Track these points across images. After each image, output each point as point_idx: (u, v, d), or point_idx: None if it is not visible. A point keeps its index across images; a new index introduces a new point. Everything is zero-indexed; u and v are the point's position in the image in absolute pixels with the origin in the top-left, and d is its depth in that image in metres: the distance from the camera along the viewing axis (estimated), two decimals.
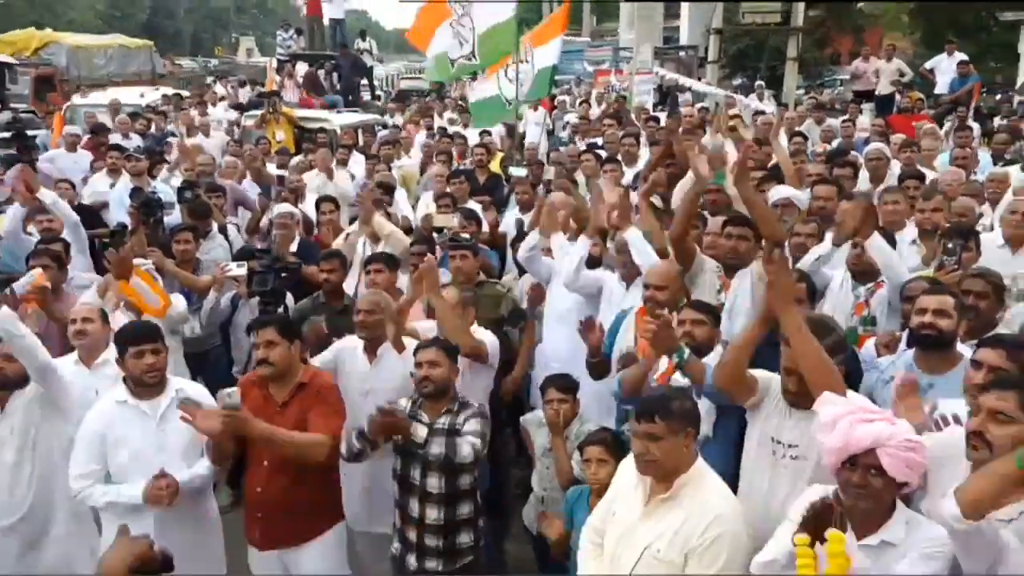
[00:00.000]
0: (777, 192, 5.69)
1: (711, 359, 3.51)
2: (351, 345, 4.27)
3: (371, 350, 4.16)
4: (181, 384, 3.74)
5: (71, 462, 3.53)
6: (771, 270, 2.99)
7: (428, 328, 4.31)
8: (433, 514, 3.49)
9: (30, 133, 10.19)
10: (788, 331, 2.91)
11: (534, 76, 8.57)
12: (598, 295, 4.87)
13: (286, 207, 6.34)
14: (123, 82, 18.74)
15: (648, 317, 4.01)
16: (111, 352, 3.85)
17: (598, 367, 4.26)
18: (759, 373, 3.19)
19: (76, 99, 14.35)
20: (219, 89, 17.28)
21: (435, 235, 5.87)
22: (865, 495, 2.41)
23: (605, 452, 3.50)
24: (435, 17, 8.79)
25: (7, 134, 9.60)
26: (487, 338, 4.32)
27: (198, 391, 3.76)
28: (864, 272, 4.45)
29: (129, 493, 3.45)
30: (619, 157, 7.83)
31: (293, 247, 5.96)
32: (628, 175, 7.41)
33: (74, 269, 5.26)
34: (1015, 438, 2.36)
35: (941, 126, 10.25)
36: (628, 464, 2.94)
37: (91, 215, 6.82)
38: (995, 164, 7.72)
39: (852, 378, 3.30)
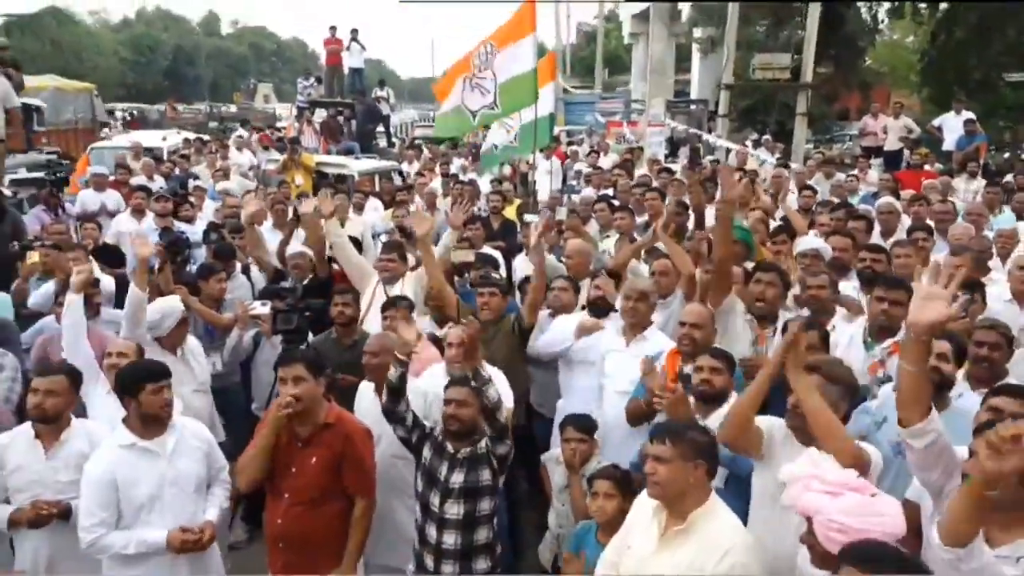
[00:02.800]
0: (805, 242, 5.68)
1: (727, 410, 3.55)
2: (365, 386, 4.32)
3: (380, 392, 3.98)
4: (182, 420, 3.72)
5: (79, 513, 3.42)
6: (787, 338, 3.04)
7: (433, 358, 4.35)
8: (450, 540, 3.53)
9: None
10: (800, 395, 2.99)
11: (531, 124, 8.80)
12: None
13: (299, 247, 6.41)
14: (55, 130, 16.24)
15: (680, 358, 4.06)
16: None
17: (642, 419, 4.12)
18: (762, 422, 3.22)
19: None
20: (244, 134, 17.53)
21: (456, 277, 5.91)
22: (812, 549, 2.57)
23: (613, 487, 3.55)
24: (457, 71, 8.98)
25: (37, 174, 9.76)
26: (498, 377, 4.18)
27: (198, 428, 3.78)
28: (883, 328, 4.10)
29: (150, 538, 3.42)
30: (631, 206, 7.98)
31: None
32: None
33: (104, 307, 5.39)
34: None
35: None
36: (645, 497, 3.00)
37: (114, 254, 7.00)
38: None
39: None
